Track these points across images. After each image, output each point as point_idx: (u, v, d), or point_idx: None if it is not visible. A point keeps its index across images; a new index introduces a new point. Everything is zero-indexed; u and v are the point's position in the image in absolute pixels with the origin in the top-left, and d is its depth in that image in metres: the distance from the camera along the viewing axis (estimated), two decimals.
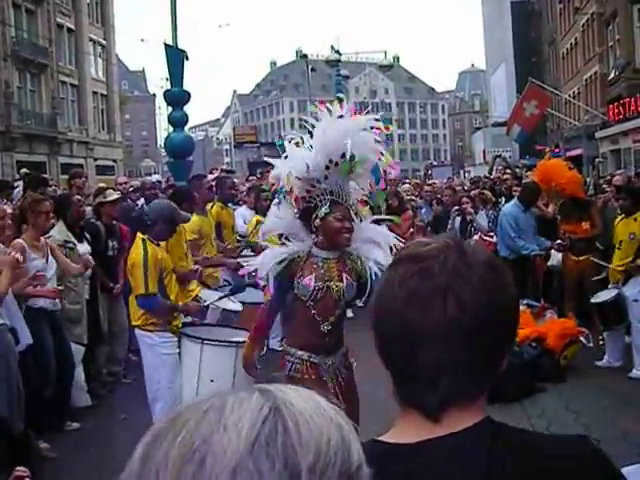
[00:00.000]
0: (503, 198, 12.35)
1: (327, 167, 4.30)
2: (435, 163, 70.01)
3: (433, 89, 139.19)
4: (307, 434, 0.72)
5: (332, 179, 4.36)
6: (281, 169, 4.48)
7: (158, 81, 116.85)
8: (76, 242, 7.68)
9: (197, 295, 6.80)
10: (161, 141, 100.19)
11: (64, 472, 6.08)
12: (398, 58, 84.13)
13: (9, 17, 36.70)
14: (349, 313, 11.91)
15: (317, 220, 4.34)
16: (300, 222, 4.50)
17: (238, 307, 7.35)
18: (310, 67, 43.79)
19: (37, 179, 9.91)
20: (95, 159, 44.08)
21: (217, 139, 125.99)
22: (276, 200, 4.63)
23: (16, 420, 5.42)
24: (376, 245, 4.53)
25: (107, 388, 8.53)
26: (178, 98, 14.22)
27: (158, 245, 6.15)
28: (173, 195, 8.11)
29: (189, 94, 14.31)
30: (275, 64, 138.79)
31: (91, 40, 46.29)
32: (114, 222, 8.69)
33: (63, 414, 7.24)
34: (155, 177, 22.87)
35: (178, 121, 14.34)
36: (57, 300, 6.85)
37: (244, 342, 4.98)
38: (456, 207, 11.51)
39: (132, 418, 7.25)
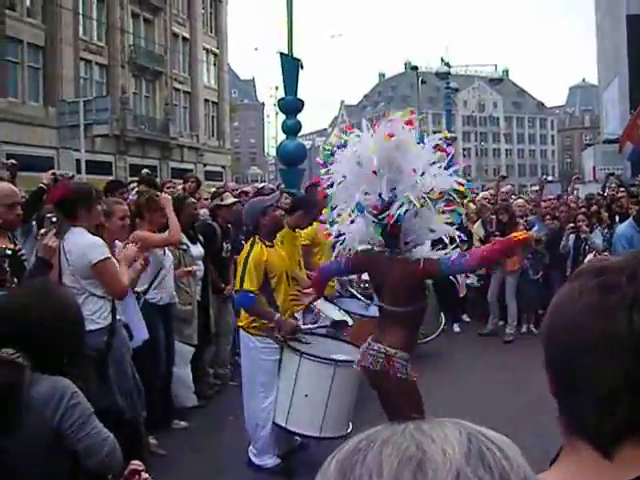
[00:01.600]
0: (617, 217, 11.95)
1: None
2: (549, 179, 68.37)
3: (542, 104, 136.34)
4: (510, 454, 0.74)
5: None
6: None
7: (267, 90, 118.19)
8: (189, 244, 7.82)
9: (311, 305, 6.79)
10: (268, 149, 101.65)
11: (171, 469, 6.16)
12: (507, 72, 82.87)
13: (128, 26, 37.96)
14: (456, 328, 11.88)
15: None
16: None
17: (346, 319, 7.33)
18: (420, 79, 43.48)
19: (150, 181, 10.13)
20: (204, 165, 44.98)
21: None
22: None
23: (138, 411, 5.54)
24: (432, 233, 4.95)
25: (214, 389, 8.62)
26: (292, 106, 14.34)
27: (272, 247, 6.21)
28: (293, 202, 8.15)
29: (302, 102, 14.41)
30: (383, 76, 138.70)
31: (204, 49, 47.44)
32: (229, 225, 8.83)
33: (170, 412, 7.38)
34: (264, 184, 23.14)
35: (291, 129, 14.46)
36: (174, 295, 7.04)
37: (344, 361, 4.99)
38: (571, 224, 11.19)
39: (238, 420, 7.32)
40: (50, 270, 4.80)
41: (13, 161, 7.86)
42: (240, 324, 6.35)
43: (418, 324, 5.15)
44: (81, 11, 34.29)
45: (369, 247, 5.08)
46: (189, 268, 7.50)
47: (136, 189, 9.30)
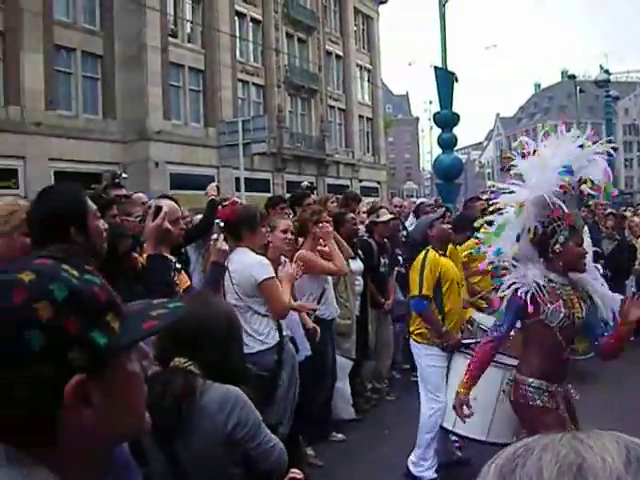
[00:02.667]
0: None
1: (564, 192, 4.33)
2: None
3: None
4: None
5: (569, 204, 4.36)
6: (518, 196, 4.48)
7: (422, 104, 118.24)
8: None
9: (470, 317, 6.72)
10: (424, 164, 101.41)
11: None
12: None
13: (283, 46, 38.97)
14: None
15: (557, 245, 4.35)
16: (533, 247, 4.48)
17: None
18: (578, 88, 42.15)
19: (304, 195, 10.25)
20: (360, 180, 45.38)
21: (479, 162, 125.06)
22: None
23: (285, 425, 5.61)
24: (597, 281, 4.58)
25: (371, 404, 8.65)
26: (447, 120, 14.27)
27: (444, 256, 6.29)
28: (457, 218, 8.12)
29: (458, 116, 14.29)
30: (539, 86, 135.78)
31: (358, 65, 48.00)
32: (385, 240, 8.87)
33: (327, 424, 7.44)
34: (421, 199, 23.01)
35: (447, 143, 14.38)
36: (336, 308, 7.12)
37: (512, 365, 4.84)
38: None
39: (394, 433, 7.30)
40: (224, 272, 4.97)
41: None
42: (411, 329, 6.46)
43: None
44: (238, 34, 35.52)
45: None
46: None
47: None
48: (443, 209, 7.34)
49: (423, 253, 6.19)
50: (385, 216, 8.95)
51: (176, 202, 4.61)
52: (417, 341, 6.29)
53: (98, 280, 1.20)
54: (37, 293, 1.10)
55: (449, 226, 6.59)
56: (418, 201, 14.46)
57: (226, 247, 4.73)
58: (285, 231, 6.20)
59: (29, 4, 25.37)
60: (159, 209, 3.98)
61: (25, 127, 25.22)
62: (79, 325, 1.12)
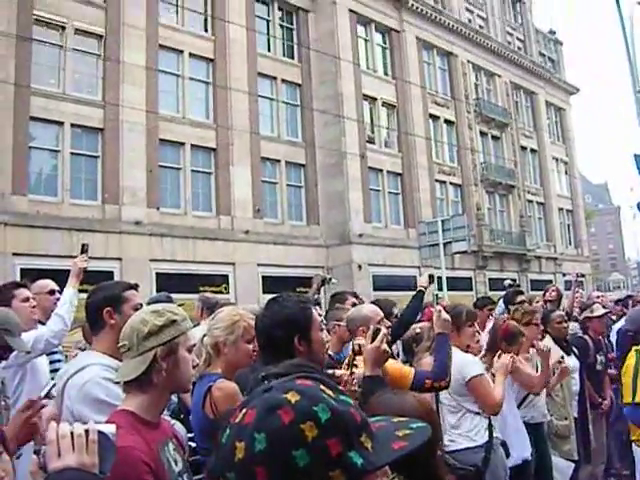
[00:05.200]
0: None
1: None
2: None
3: None
4: None
5: None
6: None
7: (622, 192, 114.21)
8: (564, 354, 7.64)
9: None
10: (629, 253, 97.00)
11: None
12: None
13: (477, 145, 39.19)
14: None
15: None
16: None
17: None
18: None
19: (517, 292, 10.11)
20: (564, 274, 44.02)
21: None
22: None
23: None
24: None
25: None
26: None
27: None
28: None
29: None
30: None
31: (553, 158, 47.42)
32: (600, 337, 8.56)
33: None
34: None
35: None
36: (547, 413, 6.86)
37: None
38: None
39: None
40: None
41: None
42: (633, 438, 5.98)
43: None
44: (433, 137, 36.14)
45: None
46: (564, 364, 7.14)
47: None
48: None
49: (635, 356, 5.68)
50: (599, 311, 8.66)
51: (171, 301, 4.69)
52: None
53: (351, 400, 1.28)
54: (303, 414, 1.19)
55: None
56: (624, 294, 13.81)
57: (447, 317, 4.71)
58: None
59: (238, 122, 27.37)
60: (377, 331, 4.03)
61: (235, 235, 26.80)
62: (340, 445, 1.19)
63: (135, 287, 3.90)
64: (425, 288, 6.54)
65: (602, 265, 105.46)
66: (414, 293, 6.58)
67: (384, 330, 4.14)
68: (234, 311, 3.77)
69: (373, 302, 6.21)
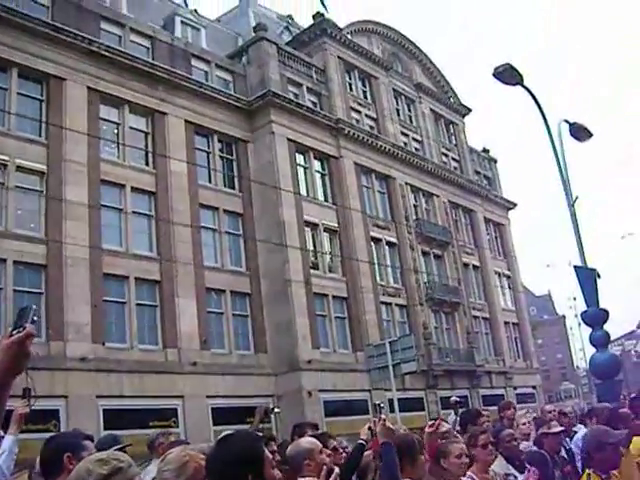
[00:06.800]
0: None
1: None
2: None
3: None
4: None
5: None
6: None
7: (566, 301, 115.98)
8: (517, 474, 7.62)
9: None
10: (577, 362, 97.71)
11: None
12: None
13: (420, 265, 39.77)
14: None
15: None
16: None
17: None
18: None
19: (472, 412, 10.12)
20: (514, 388, 44.20)
21: (636, 352, 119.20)
22: None
23: None
24: None
25: None
26: (596, 318, 13.90)
27: (608, 476, 5.85)
28: (610, 416, 7.83)
29: (607, 312, 13.93)
30: None
31: (496, 273, 48.45)
32: (557, 454, 8.57)
33: None
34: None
35: (599, 341, 13.93)
36: None
37: None
38: None
39: None
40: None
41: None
42: None
43: None
44: (376, 260, 36.62)
45: None
46: None
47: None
48: (626, 431, 6.96)
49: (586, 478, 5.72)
50: (556, 428, 8.70)
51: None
52: None
53: None
54: None
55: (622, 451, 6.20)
56: (586, 406, 13.82)
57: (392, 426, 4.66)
58: (460, 456, 5.82)
59: (182, 254, 27.55)
60: (331, 470, 3.96)
61: (182, 368, 26.40)
62: None
63: (91, 438, 3.97)
64: (366, 442, 5.99)
65: (553, 375, 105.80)
66: (354, 445, 6.15)
67: (337, 470, 4.14)
68: (183, 452, 3.60)
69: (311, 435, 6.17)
